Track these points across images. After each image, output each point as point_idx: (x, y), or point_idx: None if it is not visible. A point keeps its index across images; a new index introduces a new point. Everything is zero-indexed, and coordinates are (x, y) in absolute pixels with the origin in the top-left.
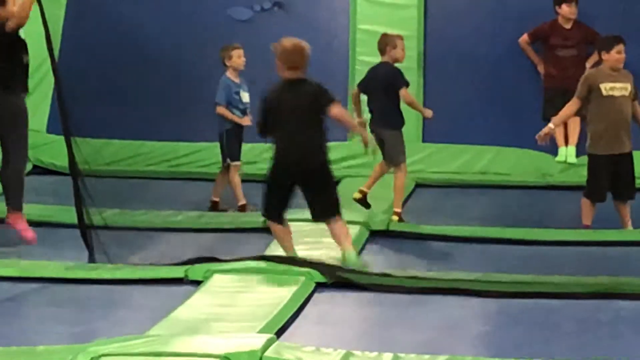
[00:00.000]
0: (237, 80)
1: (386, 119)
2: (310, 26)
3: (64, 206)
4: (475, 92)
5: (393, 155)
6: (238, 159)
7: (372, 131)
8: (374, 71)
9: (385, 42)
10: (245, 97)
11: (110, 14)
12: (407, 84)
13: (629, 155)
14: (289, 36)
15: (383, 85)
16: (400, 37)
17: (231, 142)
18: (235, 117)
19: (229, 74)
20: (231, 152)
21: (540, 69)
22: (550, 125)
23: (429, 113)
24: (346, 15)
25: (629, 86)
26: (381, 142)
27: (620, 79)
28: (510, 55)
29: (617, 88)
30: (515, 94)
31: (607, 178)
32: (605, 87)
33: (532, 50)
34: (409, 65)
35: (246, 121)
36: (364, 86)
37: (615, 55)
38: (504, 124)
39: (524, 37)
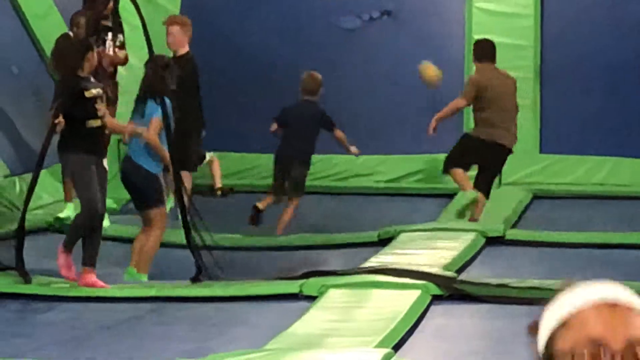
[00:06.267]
0: None
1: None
2: (422, 36)
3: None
4: (593, 102)
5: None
6: None
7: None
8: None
9: (319, 84)
10: None
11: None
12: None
13: None
14: (398, 47)
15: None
16: None
17: None
18: None
19: None
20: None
21: None
22: None
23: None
24: (460, 24)
25: None
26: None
27: None
28: (628, 63)
29: None
30: (634, 103)
31: None
32: None
33: None
34: (526, 76)
35: None
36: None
37: None
38: (623, 134)
39: None
